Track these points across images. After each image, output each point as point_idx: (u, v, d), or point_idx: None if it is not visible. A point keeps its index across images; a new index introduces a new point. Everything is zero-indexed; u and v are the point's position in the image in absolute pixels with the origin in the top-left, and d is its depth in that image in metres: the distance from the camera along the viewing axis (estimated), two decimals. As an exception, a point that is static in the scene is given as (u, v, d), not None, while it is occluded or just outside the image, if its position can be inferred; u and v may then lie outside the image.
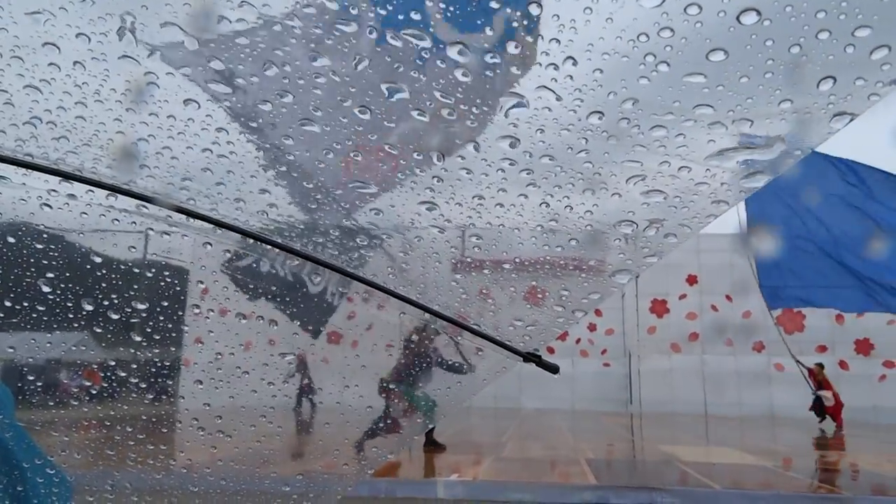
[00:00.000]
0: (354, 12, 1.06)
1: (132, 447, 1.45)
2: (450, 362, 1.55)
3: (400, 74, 1.08)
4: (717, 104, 0.98)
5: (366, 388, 1.63)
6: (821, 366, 17.61)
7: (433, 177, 1.22)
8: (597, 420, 17.93)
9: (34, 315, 1.31)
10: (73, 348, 1.45)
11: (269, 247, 1.33)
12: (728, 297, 20.62)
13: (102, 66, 1.05)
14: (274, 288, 1.52)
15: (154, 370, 1.50)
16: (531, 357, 1.37)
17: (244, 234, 1.28)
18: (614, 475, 8.76)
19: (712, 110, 0.99)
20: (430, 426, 7.89)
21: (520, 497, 6.89)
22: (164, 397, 1.54)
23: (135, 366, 1.48)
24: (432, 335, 1.51)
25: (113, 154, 1.17)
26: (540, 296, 1.34)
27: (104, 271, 1.35)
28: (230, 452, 1.49)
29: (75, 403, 1.45)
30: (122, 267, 1.37)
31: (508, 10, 1.00)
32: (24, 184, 1.17)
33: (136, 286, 1.41)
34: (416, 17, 1.03)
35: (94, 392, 1.47)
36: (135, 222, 1.28)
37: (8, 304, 1.28)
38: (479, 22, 1.03)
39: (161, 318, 1.45)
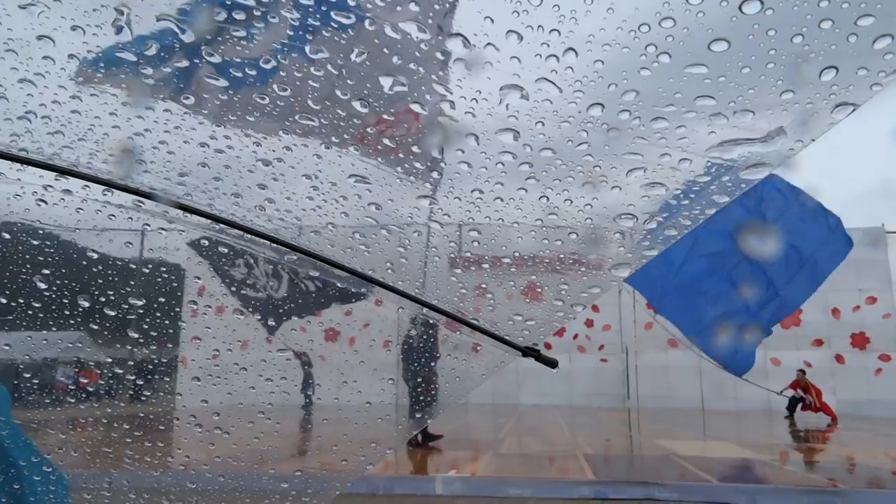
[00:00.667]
0: (352, 3, 1.05)
1: (129, 444, 1.45)
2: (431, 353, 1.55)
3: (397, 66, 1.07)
4: (718, 95, 0.97)
5: (364, 384, 1.62)
6: (802, 371, 18.24)
7: (431, 170, 1.21)
8: (594, 415, 17.97)
9: (30, 312, 1.30)
10: (70, 345, 1.44)
11: (266, 242, 1.32)
12: (724, 293, 20.65)
13: (97, 59, 1.03)
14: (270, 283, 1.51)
15: (151, 367, 1.49)
16: (530, 351, 1.36)
17: (242, 229, 1.27)
18: (612, 470, 8.77)
19: (714, 101, 0.98)
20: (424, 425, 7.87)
21: (518, 492, 6.90)
22: (161, 394, 1.53)
23: (132, 363, 1.47)
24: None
25: (109, 149, 1.16)
26: (539, 290, 1.34)
27: (100, 267, 1.34)
28: (228, 450, 1.49)
29: (71, 401, 1.44)
30: (119, 263, 1.36)
31: None
32: (18, 179, 1.16)
33: (132, 283, 1.40)
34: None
35: (90, 390, 1.46)
36: (131, 218, 1.27)
37: (3, 301, 1.27)
38: None
39: (158, 314, 1.44)
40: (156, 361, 1.48)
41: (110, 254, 1.35)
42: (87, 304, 1.33)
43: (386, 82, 1.10)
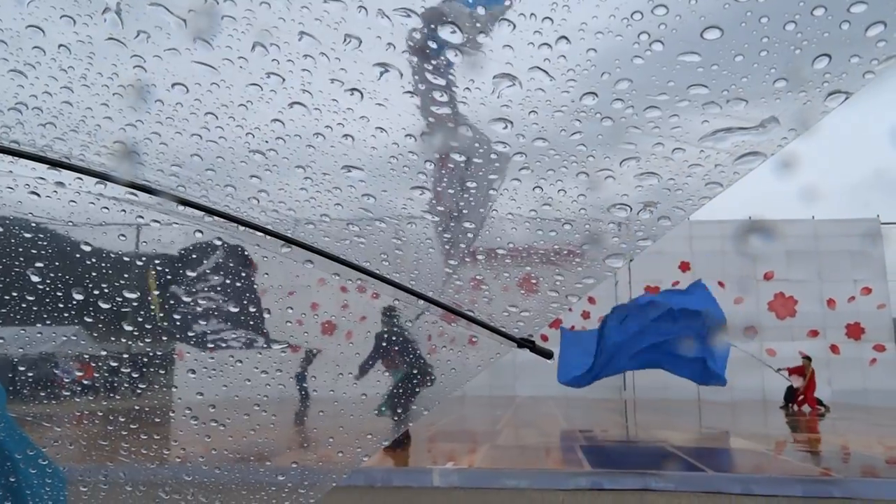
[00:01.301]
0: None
1: (125, 438, 1.45)
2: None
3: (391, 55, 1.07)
4: (711, 84, 0.97)
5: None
6: (809, 360, 18.27)
7: (426, 161, 1.21)
8: (591, 407, 18.01)
9: (24, 306, 1.30)
10: (65, 338, 1.44)
11: (259, 233, 1.31)
12: (720, 284, 20.62)
13: (88, 49, 1.03)
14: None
15: (147, 360, 1.49)
16: (525, 343, 1.37)
17: (236, 221, 1.27)
18: (609, 460, 8.81)
19: (707, 90, 0.98)
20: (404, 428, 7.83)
21: (515, 483, 6.92)
22: (157, 387, 1.53)
23: (127, 356, 1.47)
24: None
25: (101, 140, 1.15)
26: (534, 281, 1.34)
27: (94, 260, 1.33)
28: (224, 442, 1.49)
29: (67, 395, 1.44)
30: (113, 255, 1.35)
31: None
32: (10, 171, 1.15)
33: (127, 275, 1.39)
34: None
35: (86, 383, 1.46)
36: (125, 210, 1.26)
37: (-4, 294, 1.26)
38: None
39: (153, 307, 1.44)
40: (151, 354, 1.48)
41: (104, 246, 1.34)
42: (81, 297, 1.33)
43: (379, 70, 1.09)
